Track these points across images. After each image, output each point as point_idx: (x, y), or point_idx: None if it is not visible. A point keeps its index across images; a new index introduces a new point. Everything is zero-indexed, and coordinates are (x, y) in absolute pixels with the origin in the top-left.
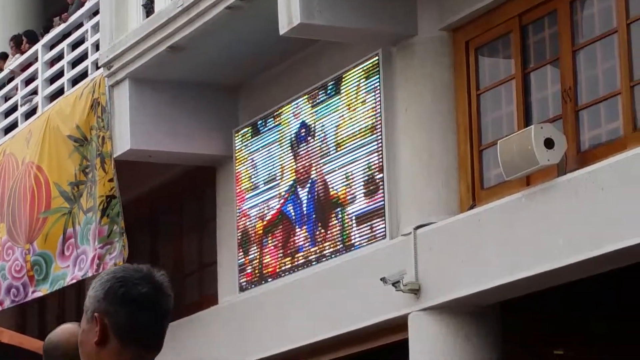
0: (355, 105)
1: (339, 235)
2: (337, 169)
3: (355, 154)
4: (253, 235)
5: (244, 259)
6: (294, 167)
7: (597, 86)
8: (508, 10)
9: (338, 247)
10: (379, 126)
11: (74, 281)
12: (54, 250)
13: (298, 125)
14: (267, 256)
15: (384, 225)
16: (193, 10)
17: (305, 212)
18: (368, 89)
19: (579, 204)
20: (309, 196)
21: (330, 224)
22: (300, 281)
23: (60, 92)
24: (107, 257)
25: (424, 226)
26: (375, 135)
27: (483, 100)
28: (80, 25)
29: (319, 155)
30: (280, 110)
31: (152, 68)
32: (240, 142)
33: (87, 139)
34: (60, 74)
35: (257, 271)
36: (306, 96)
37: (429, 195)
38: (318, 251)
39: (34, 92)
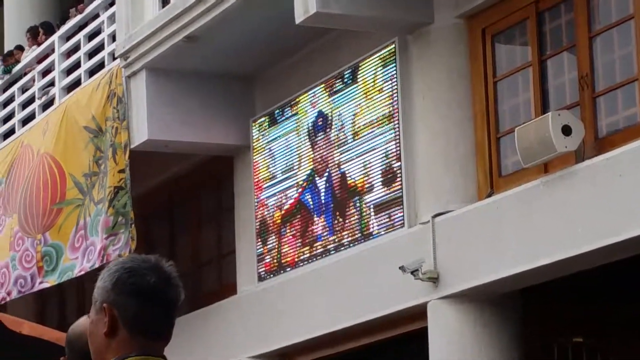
0: (372, 93)
1: (357, 224)
2: (354, 157)
3: (373, 142)
4: (271, 224)
5: (262, 249)
6: (312, 156)
7: (614, 72)
8: None
9: (356, 236)
10: (396, 114)
11: (82, 272)
12: (66, 242)
13: (315, 115)
14: (286, 246)
15: (402, 214)
16: (209, 0)
17: (323, 201)
18: (385, 77)
19: (597, 191)
20: (327, 185)
21: (349, 213)
22: (319, 270)
23: (77, 83)
24: (111, 248)
25: (442, 214)
26: (392, 124)
27: (500, 88)
28: (97, 16)
29: (336, 144)
30: (297, 100)
31: (168, 58)
32: (258, 132)
33: (102, 130)
34: (77, 65)
35: (275, 261)
36: (323, 85)
37: (446, 184)
38: (336, 240)
39: (52, 83)
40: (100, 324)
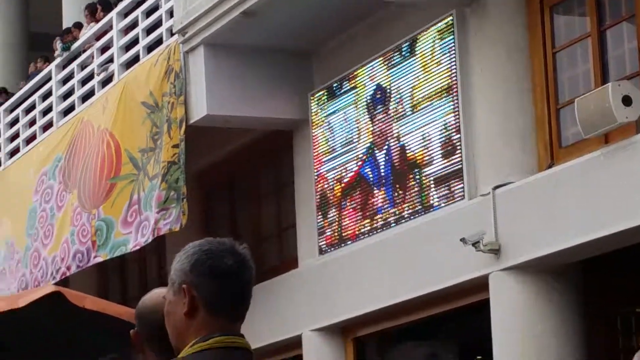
0: (430, 66)
1: (417, 197)
2: (413, 130)
3: (432, 115)
4: (331, 198)
5: (323, 222)
6: (371, 129)
7: None
8: None
9: (417, 208)
10: (455, 87)
11: (137, 247)
12: (118, 217)
13: (374, 88)
14: (346, 219)
15: (462, 186)
16: None
17: (383, 174)
18: (443, 49)
19: None
20: (386, 158)
21: (408, 185)
22: (379, 243)
23: (136, 59)
24: (162, 223)
25: (502, 186)
26: (451, 96)
27: (559, 59)
28: None
29: (395, 117)
30: (355, 73)
31: (226, 33)
32: (316, 106)
33: (159, 106)
34: (135, 42)
35: (336, 234)
36: (381, 58)
37: (506, 155)
38: (397, 213)
39: (110, 60)
40: (180, 304)
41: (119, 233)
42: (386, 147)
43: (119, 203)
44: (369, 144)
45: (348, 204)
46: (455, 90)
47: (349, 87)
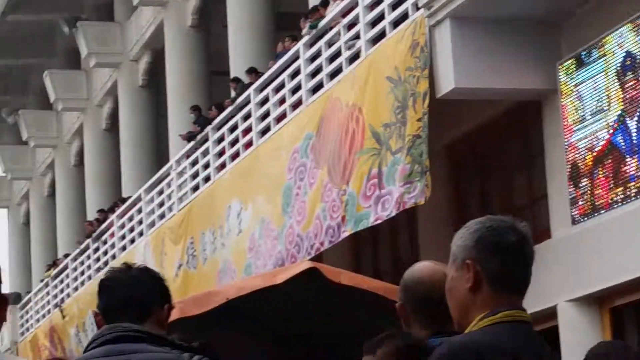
0: None
1: None
2: None
3: None
4: (583, 167)
5: (575, 192)
6: (621, 96)
7: None
8: None
9: None
10: None
11: (379, 222)
12: (359, 190)
13: (623, 55)
14: (598, 188)
15: None
16: None
17: (635, 142)
18: None
19: None
20: (638, 125)
21: None
22: (633, 211)
23: (382, 35)
24: (406, 196)
25: None
26: None
27: None
28: None
29: None
30: (603, 41)
31: (471, 6)
32: (565, 75)
33: (402, 80)
34: (381, 17)
35: (589, 203)
36: (630, 25)
37: None
38: None
39: (357, 36)
40: (463, 280)
41: (360, 207)
42: (638, 114)
43: (360, 177)
44: (620, 112)
45: (600, 172)
46: None
47: (597, 55)
